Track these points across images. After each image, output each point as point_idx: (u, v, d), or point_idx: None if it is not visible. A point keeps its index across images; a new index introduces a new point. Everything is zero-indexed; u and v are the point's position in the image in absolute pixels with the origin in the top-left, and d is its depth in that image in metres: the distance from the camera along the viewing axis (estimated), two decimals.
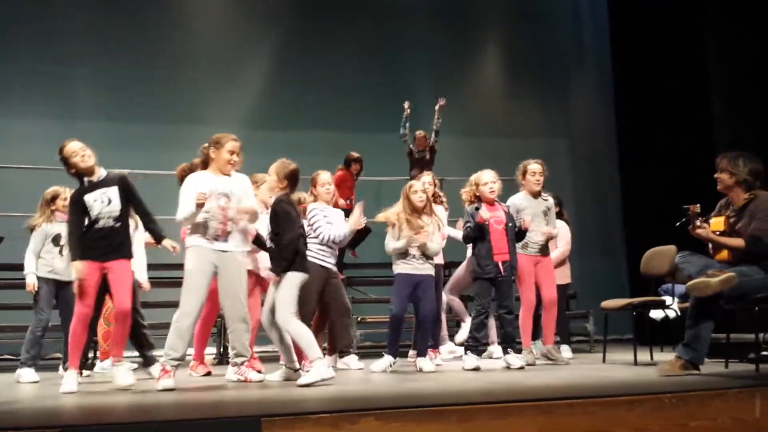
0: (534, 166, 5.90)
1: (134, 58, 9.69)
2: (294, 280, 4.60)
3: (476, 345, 5.41)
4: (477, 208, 5.46)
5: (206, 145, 4.76)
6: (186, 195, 4.60)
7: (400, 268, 5.44)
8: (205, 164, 4.77)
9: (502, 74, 11.69)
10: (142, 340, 5.48)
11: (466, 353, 5.42)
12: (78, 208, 4.61)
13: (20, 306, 6.94)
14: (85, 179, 4.64)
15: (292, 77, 10.32)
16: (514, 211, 5.80)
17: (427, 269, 5.45)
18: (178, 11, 10.55)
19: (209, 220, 4.59)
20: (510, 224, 5.50)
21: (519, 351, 5.68)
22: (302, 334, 4.53)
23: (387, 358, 5.42)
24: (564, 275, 6.87)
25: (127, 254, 4.66)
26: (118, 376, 4.56)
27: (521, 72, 11.36)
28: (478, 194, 5.53)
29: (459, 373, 5.19)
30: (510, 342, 5.42)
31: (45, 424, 2.90)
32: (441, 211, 7.00)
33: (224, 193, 4.66)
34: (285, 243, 4.60)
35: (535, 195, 5.91)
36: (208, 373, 5.48)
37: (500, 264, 5.39)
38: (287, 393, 4.16)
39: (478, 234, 5.44)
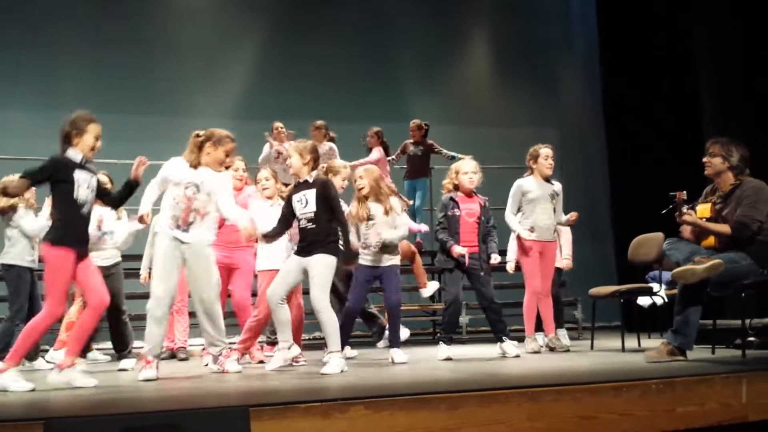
0: (546, 150, 5.91)
1: (121, 49, 9.63)
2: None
3: (449, 336, 5.38)
4: (452, 198, 5.42)
5: (200, 135, 4.69)
6: (159, 179, 4.69)
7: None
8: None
9: (491, 64, 11.69)
10: (123, 338, 5.46)
11: (439, 344, 5.40)
12: (54, 174, 4.10)
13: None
14: (81, 157, 4.19)
15: (280, 68, 10.28)
16: (520, 193, 5.80)
17: (385, 260, 5.24)
18: (165, 3, 10.46)
19: (174, 207, 4.58)
20: (483, 218, 5.44)
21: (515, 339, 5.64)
22: (333, 320, 4.59)
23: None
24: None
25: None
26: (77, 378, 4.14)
27: (510, 61, 11.36)
28: (457, 183, 5.47)
29: (445, 362, 5.16)
30: (501, 331, 5.39)
31: (28, 417, 2.88)
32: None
33: (195, 184, 4.63)
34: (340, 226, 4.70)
35: (545, 179, 5.91)
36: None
37: (466, 255, 5.29)
38: (276, 383, 4.15)
39: (441, 244, 5.42)
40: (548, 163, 5.88)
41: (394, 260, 5.29)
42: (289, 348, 4.83)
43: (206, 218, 4.66)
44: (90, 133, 4.16)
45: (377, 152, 8.36)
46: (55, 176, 4.10)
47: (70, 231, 4.10)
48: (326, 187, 4.71)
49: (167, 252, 4.57)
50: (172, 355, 6.27)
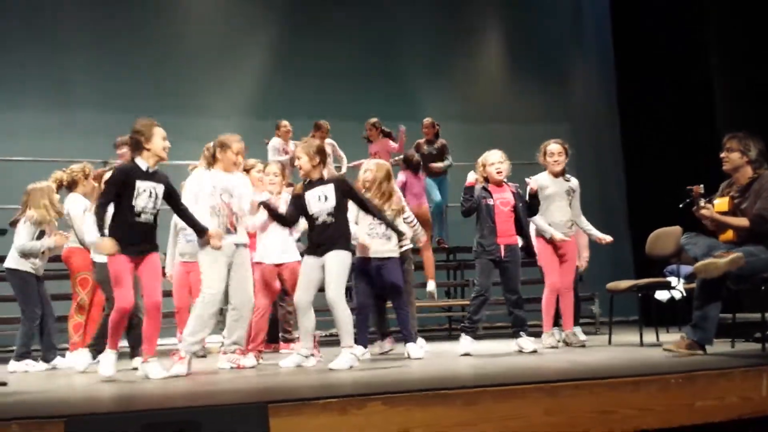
0: (553, 147, 5.81)
1: (130, 48, 9.64)
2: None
3: (473, 327, 5.34)
4: (484, 188, 5.39)
5: (210, 145, 4.91)
6: (190, 193, 4.86)
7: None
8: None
9: (503, 59, 11.63)
10: (139, 337, 5.47)
11: (462, 335, 5.34)
12: (121, 187, 4.35)
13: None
14: (147, 167, 4.44)
15: (291, 65, 10.28)
16: (537, 187, 5.70)
17: (380, 253, 5.24)
18: (175, 1, 10.50)
19: (215, 215, 4.75)
20: (520, 204, 5.40)
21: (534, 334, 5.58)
22: (348, 315, 4.63)
23: (358, 349, 5.26)
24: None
25: (157, 248, 4.56)
26: (151, 371, 4.39)
27: (522, 56, 11.30)
28: (485, 175, 5.44)
29: (462, 357, 5.15)
30: (521, 325, 5.35)
31: (51, 414, 2.91)
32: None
33: (227, 190, 4.81)
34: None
35: (557, 175, 5.83)
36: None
37: (502, 247, 5.30)
38: (294, 379, 4.17)
39: (467, 203, 5.32)
40: (554, 160, 5.78)
41: (391, 252, 5.28)
42: (307, 357, 4.83)
43: (239, 220, 4.87)
44: (157, 135, 4.47)
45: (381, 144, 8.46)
46: (121, 187, 4.35)
47: (121, 239, 4.30)
48: (346, 183, 4.87)
49: (223, 257, 4.68)
50: None
